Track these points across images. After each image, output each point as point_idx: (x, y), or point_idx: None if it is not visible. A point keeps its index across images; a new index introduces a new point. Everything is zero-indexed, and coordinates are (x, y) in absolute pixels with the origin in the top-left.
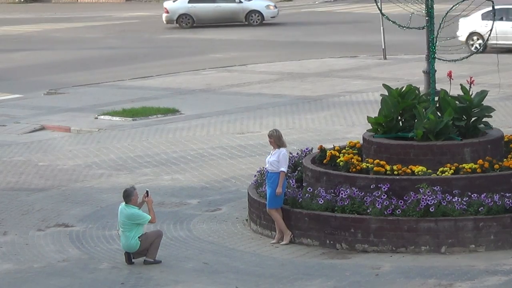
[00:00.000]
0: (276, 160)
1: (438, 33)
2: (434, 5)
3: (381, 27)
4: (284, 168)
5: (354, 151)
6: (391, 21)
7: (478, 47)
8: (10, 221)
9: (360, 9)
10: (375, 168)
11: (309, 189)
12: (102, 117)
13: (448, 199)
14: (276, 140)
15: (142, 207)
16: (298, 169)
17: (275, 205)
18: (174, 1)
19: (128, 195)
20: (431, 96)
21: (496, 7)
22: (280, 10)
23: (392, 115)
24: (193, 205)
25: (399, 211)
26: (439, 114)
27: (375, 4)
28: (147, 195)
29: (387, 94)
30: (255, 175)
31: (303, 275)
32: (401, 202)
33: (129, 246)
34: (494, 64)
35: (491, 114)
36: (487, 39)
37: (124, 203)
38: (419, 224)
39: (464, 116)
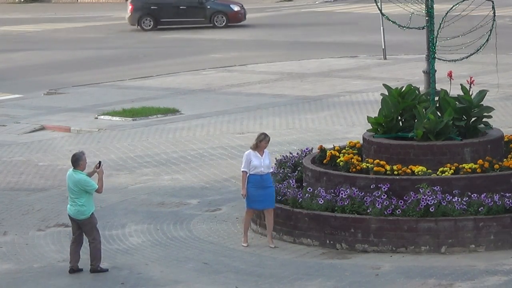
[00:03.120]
0: (270, 161)
1: (438, 33)
2: (434, 5)
3: (381, 27)
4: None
5: (354, 151)
6: (391, 21)
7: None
8: (10, 221)
9: (360, 9)
10: (375, 168)
11: (309, 189)
12: (102, 117)
13: (448, 199)
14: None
15: (93, 177)
16: (298, 169)
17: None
18: None
19: (77, 160)
20: (431, 96)
21: None
22: (280, 10)
23: (392, 115)
24: (193, 205)
25: (399, 211)
26: (439, 114)
27: (375, 4)
28: (99, 166)
29: (387, 94)
30: None
31: (303, 275)
32: (401, 202)
33: (77, 212)
34: (494, 64)
35: (491, 114)
36: (488, 39)
37: (72, 168)
38: (419, 224)
39: (464, 116)
